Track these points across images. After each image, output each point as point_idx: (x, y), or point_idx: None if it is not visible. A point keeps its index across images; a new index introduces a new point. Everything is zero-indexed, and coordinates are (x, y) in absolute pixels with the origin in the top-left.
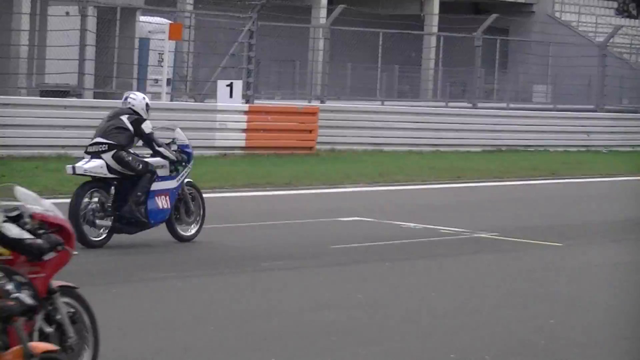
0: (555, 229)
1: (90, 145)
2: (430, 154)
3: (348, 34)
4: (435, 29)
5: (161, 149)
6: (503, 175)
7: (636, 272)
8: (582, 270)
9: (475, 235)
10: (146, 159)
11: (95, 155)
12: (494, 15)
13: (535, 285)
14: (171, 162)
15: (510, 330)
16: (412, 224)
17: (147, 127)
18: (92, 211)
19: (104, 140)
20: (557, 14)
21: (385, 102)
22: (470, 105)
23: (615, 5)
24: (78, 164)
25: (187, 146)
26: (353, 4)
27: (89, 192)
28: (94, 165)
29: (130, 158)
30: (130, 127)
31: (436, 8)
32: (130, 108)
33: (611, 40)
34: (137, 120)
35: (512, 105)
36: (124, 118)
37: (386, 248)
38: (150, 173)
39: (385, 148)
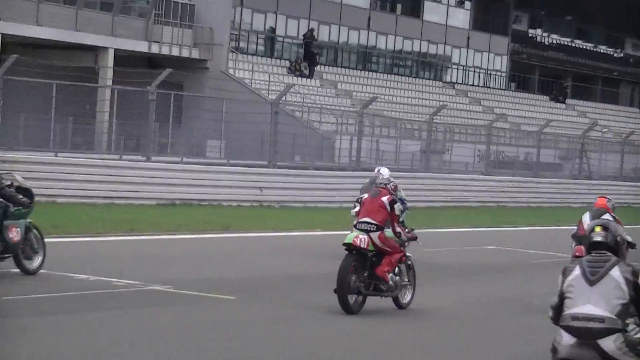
0: (228, 282)
1: (360, 198)
2: (104, 206)
3: (21, 85)
4: (109, 82)
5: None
6: (177, 229)
7: (297, 326)
8: (254, 323)
9: (149, 288)
10: None
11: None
12: (168, 70)
13: (206, 339)
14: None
15: None
16: (85, 276)
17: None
18: None
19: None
20: (231, 71)
21: (59, 154)
22: (144, 158)
23: (288, 64)
24: (356, 209)
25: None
26: (26, 54)
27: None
28: None
29: None
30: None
31: (111, 61)
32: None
33: (283, 98)
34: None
35: (186, 160)
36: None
37: (58, 300)
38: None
39: (59, 200)
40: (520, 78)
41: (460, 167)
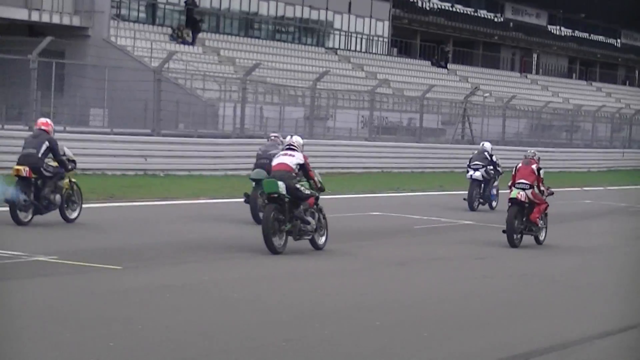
0: (114, 251)
1: (472, 164)
2: None
3: None
4: None
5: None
6: None
7: (192, 293)
8: (142, 292)
9: (33, 258)
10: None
11: (476, 170)
12: (48, 38)
13: (95, 308)
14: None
15: (73, 355)
16: None
17: (495, 157)
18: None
19: (480, 163)
20: (113, 39)
21: None
22: (26, 128)
23: (170, 31)
24: (471, 173)
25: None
26: None
27: (477, 187)
28: (478, 174)
29: (486, 170)
30: (489, 158)
31: None
32: (486, 151)
33: (166, 66)
34: (492, 155)
35: (69, 129)
36: (486, 154)
37: None
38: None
39: None
40: (402, 43)
41: (344, 133)
